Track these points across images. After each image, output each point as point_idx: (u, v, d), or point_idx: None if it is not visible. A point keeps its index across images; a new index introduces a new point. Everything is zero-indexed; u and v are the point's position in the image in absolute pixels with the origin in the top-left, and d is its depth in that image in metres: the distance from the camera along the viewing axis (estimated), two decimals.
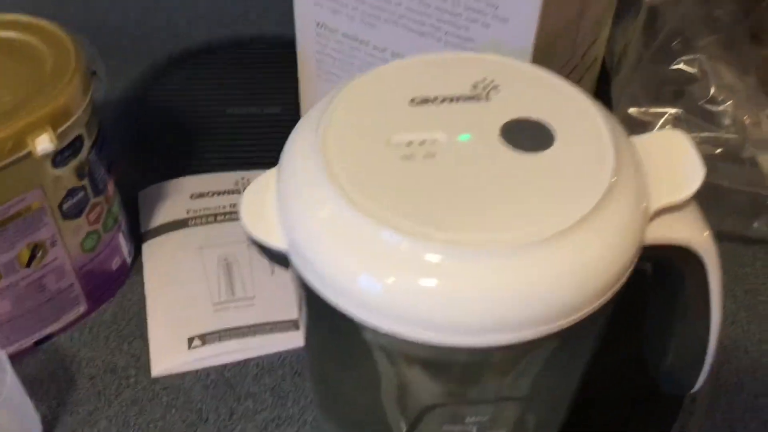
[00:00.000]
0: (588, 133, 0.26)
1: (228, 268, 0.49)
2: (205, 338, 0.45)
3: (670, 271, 0.31)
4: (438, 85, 0.27)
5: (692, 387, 0.35)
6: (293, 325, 0.46)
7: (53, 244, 0.42)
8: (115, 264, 0.47)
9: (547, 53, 0.43)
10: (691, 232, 0.28)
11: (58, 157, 0.40)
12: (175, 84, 0.63)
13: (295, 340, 0.46)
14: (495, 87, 0.27)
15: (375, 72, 0.27)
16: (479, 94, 0.27)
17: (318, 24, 0.48)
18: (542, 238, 0.23)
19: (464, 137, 0.26)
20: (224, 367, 0.45)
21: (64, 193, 0.41)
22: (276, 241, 0.26)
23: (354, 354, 0.26)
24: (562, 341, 0.25)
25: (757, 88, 0.43)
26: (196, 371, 0.45)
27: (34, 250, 0.41)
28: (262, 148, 0.57)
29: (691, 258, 0.29)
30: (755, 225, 0.48)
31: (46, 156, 0.38)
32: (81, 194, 0.42)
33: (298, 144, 0.26)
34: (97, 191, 0.44)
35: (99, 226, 0.45)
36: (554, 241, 0.23)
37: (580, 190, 0.25)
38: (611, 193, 0.25)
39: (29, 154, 0.38)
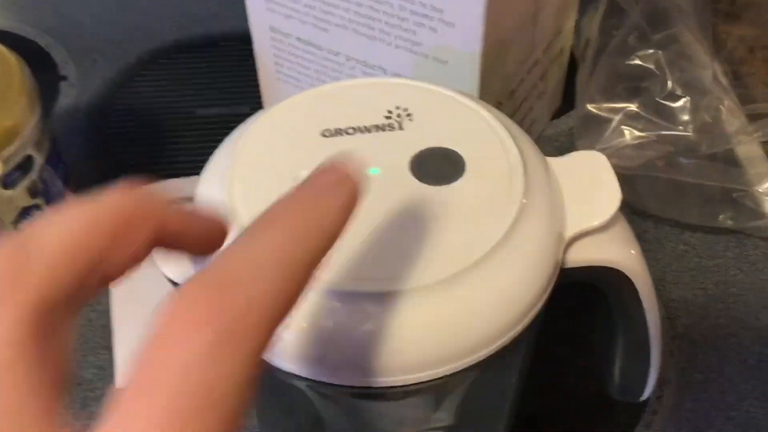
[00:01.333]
0: (499, 159, 0.26)
1: None
2: None
3: (602, 287, 0.30)
4: (351, 114, 0.26)
5: (641, 395, 0.35)
6: None
7: None
8: None
9: (500, 54, 0.43)
10: (616, 253, 0.28)
11: (8, 179, 0.40)
12: (146, 85, 0.63)
13: None
14: (409, 115, 0.26)
15: (288, 102, 0.27)
16: (392, 123, 0.26)
17: (272, 28, 0.47)
18: (447, 276, 0.23)
19: (374, 171, 0.25)
20: None
21: (16, 212, 0.41)
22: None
23: (284, 401, 0.26)
24: (485, 369, 0.25)
25: (715, 81, 0.42)
26: None
27: None
28: None
29: (619, 277, 0.29)
30: (720, 217, 0.48)
31: None
32: (36, 211, 0.42)
33: (210, 176, 0.26)
34: (53, 205, 0.44)
35: None
36: (462, 277, 0.23)
37: (490, 219, 0.24)
38: (521, 218, 0.24)
39: None
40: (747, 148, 0.46)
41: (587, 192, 0.26)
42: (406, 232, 0.24)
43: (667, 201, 0.44)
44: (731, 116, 0.42)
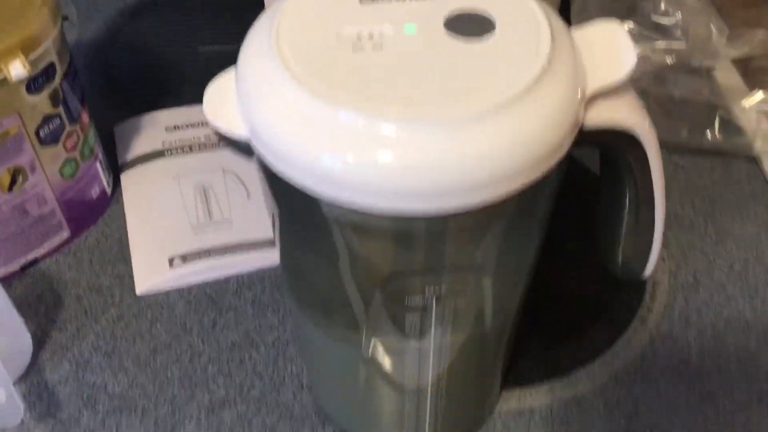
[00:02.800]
0: (527, 22, 0.28)
1: (205, 193, 0.51)
2: (185, 257, 0.47)
3: (615, 159, 0.33)
4: None
5: (642, 273, 0.37)
6: (270, 243, 0.48)
7: (33, 170, 0.43)
8: (94, 193, 0.49)
9: None
10: (630, 116, 0.30)
11: (33, 84, 0.41)
12: (147, 26, 0.64)
13: (273, 257, 0.48)
14: None
15: None
16: None
17: None
18: (484, 110, 0.25)
19: (410, 29, 0.27)
20: (205, 284, 0.47)
21: (40, 119, 0.43)
22: (237, 129, 0.27)
23: (318, 234, 0.28)
24: (512, 209, 0.27)
25: (706, 1, 0.45)
26: (179, 289, 0.47)
27: (15, 175, 0.43)
28: None
29: (632, 143, 0.31)
30: (708, 135, 0.51)
31: (20, 82, 0.40)
32: (57, 121, 0.44)
33: (255, 39, 0.28)
34: (72, 119, 0.45)
35: (76, 154, 0.46)
36: (497, 112, 0.25)
37: (520, 70, 0.26)
38: (548, 71, 0.26)
39: (4, 81, 0.39)
40: (729, 68, 0.49)
41: (605, 54, 0.29)
42: (446, 77, 0.26)
43: (656, 120, 0.47)
44: (720, 33, 0.45)
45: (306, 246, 0.30)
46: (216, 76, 0.29)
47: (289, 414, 0.42)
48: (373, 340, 0.33)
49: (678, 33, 0.45)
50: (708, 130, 0.50)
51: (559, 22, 0.29)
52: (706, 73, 0.49)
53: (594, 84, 0.28)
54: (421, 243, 0.28)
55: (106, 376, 0.43)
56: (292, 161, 0.26)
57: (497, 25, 0.28)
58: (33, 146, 0.43)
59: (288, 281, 0.35)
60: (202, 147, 0.53)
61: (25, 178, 0.43)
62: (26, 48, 0.40)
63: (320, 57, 0.27)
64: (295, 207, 0.28)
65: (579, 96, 0.28)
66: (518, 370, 0.44)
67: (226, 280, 0.47)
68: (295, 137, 0.26)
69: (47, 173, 0.44)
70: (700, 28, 0.45)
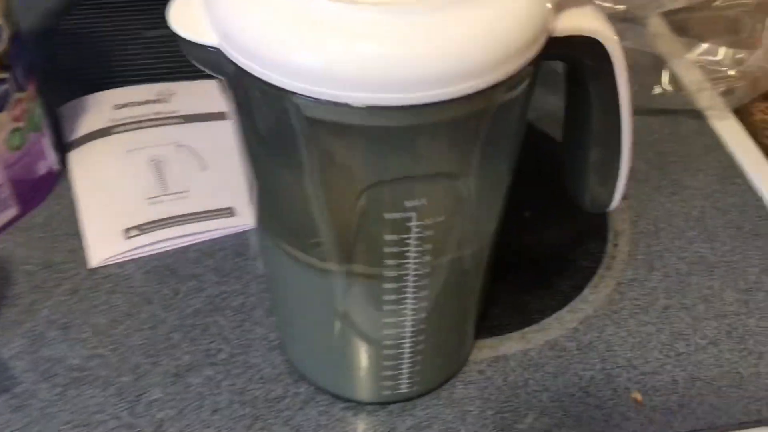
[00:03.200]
0: None
1: (158, 167, 0.49)
2: (142, 228, 0.46)
3: (581, 73, 0.33)
4: None
5: (611, 202, 0.38)
6: (228, 212, 0.47)
7: None
8: (42, 168, 0.47)
9: None
10: (595, 24, 0.30)
11: None
12: (90, 11, 0.63)
13: (232, 225, 0.46)
14: None
15: None
16: None
17: None
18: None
19: None
20: (164, 254, 0.46)
21: None
22: (207, 37, 0.27)
23: (295, 143, 0.27)
24: (485, 108, 0.27)
25: None
26: (136, 260, 0.45)
27: None
28: (181, 63, 0.58)
29: (598, 53, 0.31)
30: (656, 90, 0.52)
31: None
32: (3, 87, 0.42)
33: None
34: (19, 86, 0.43)
35: (23, 124, 0.44)
36: (474, 2, 0.25)
37: None
38: None
39: None
40: (660, 22, 0.50)
41: None
42: None
43: None
44: None
45: (282, 161, 0.29)
46: None
47: (259, 375, 0.40)
48: (351, 272, 0.32)
49: None
50: (656, 85, 0.51)
51: None
52: (645, 25, 0.50)
53: None
54: (398, 144, 0.27)
55: (63, 349, 0.41)
56: (268, 59, 0.25)
57: None
58: None
59: (262, 212, 0.34)
60: (152, 123, 0.52)
61: None
62: None
63: None
64: (270, 115, 0.27)
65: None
66: (490, 320, 0.43)
67: (185, 250, 0.46)
68: (271, 33, 0.25)
69: None
70: None
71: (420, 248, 0.31)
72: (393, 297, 0.33)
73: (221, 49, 0.27)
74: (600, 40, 0.31)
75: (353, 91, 0.25)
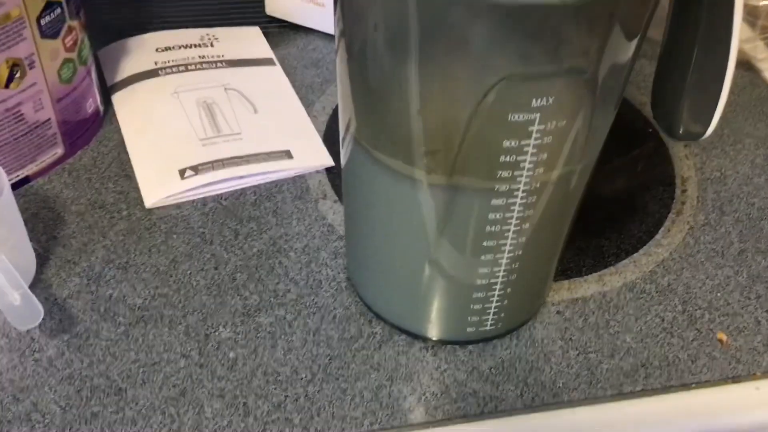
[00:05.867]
0: None
1: (209, 108, 0.47)
2: (197, 168, 0.43)
3: None
4: None
5: (705, 130, 0.36)
6: (285, 154, 0.45)
7: (32, 65, 0.39)
8: (89, 107, 0.45)
9: None
10: None
11: None
12: None
13: (289, 169, 0.44)
14: None
15: None
16: None
17: None
18: None
19: None
20: (220, 196, 0.43)
21: (42, 4, 0.38)
22: None
23: (428, 28, 0.26)
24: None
25: None
26: (192, 201, 0.43)
27: (13, 69, 0.38)
28: (223, 8, 0.56)
29: None
30: None
31: None
32: (58, 11, 0.40)
33: None
34: (72, 14, 0.41)
35: (74, 55, 0.42)
36: None
37: None
38: None
39: None
40: None
41: None
42: None
43: None
44: None
45: (408, 57, 0.27)
46: None
47: (332, 315, 0.38)
48: (458, 185, 0.30)
49: None
50: None
51: None
52: None
53: None
54: (538, 30, 0.26)
55: (123, 288, 0.39)
56: None
57: None
58: (33, 36, 0.38)
59: (362, 123, 0.31)
60: (198, 66, 0.50)
61: (24, 74, 0.39)
62: None
63: None
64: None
65: None
66: (565, 263, 0.42)
67: (242, 192, 0.44)
68: None
69: (45, 72, 0.40)
70: None
71: (536, 158, 0.29)
72: (498, 216, 0.31)
73: None
74: None
75: None
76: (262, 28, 0.54)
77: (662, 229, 0.44)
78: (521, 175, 0.30)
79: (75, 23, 0.41)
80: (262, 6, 0.55)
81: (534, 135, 0.28)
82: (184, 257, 0.40)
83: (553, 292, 0.41)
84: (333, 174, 0.45)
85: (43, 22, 0.39)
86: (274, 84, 0.50)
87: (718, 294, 0.41)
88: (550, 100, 0.27)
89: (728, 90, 0.35)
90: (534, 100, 0.27)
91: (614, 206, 0.45)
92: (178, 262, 0.40)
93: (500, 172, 0.30)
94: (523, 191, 0.31)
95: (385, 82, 0.29)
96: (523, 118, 0.28)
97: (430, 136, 0.29)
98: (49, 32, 0.39)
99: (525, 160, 0.29)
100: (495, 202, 0.31)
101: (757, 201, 0.46)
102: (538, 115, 0.28)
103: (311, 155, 0.45)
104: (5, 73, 0.38)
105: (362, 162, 0.33)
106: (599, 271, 0.42)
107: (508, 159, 0.29)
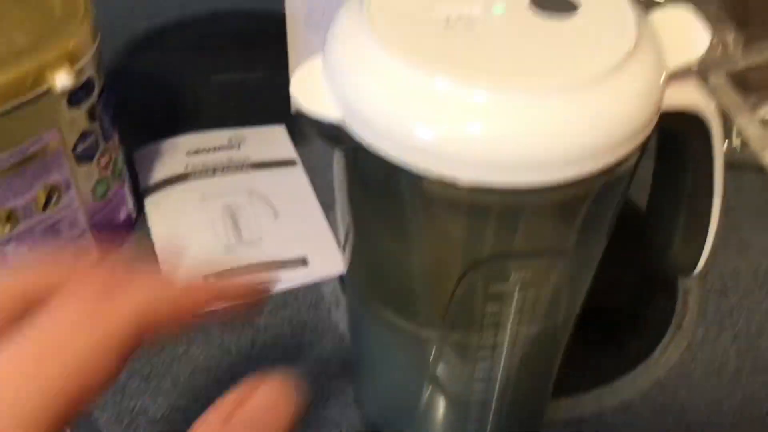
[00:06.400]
0: (607, 1, 0.29)
1: (233, 215, 0.50)
2: (220, 276, 0.46)
3: (677, 145, 0.33)
4: None
5: (695, 267, 0.38)
6: (301, 262, 0.48)
7: (68, 187, 0.43)
8: (122, 215, 0.48)
9: None
10: (700, 98, 0.31)
11: (74, 97, 0.40)
12: (158, 55, 0.64)
13: (305, 276, 0.47)
14: None
15: None
16: None
17: None
18: (580, 83, 0.25)
19: (498, 8, 0.28)
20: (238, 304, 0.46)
21: (77, 134, 0.42)
22: (329, 111, 0.27)
23: (401, 212, 0.28)
24: (600, 186, 0.28)
25: (721, 12, 0.46)
26: (212, 309, 0.46)
27: (50, 193, 0.42)
28: (250, 108, 0.59)
29: (698, 126, 0.32)
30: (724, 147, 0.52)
31: (63, 93, 0.39)
32: (92, 138, 0.43)
33: (345, 21, 0.28)
34: (106, 137, 0.45)
35: (108, 174, 0.45)
36: (592, 86, 0.25)
37: (609, 47, 0.27)
38: (636, 49, 0.27)
39: (48, 91, 0.39)
40: (740, 80, 0.51)
41: (678, 36, 0.29)
42: (535, 53, 0.26)
43: None
44: (734, 43, 0.46)
45: (390, 232, 0.30)
46: (299, 67, 0.29)
47: (337, 430, 0.41)
48: (447, 339, 0.33)
49: None
50: (725, 142, 0.51)
51: (636, 4, 0.30)
52: (713, 87, 0.50)
53: (672, 62, 0.29)
54: (509, 222, 0.28)
55: (145, 401, 0.42)
56: (391, 134, 0.26)
57: (581, 5, 0.29)
58: (70, 163, 0.42)
59: (358, 277, 0.34)
60: (226, 170, 0.53)
61: (60, 197, 0.42)
62: (70, 60, 0.39)
63: (413, 34, 0.27)
64: (385, 188, 0.28)
65: (663, 76, 0.28)
66: (563, 381, 0.43)
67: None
68: (392, 109, 0.26)
69: (81, 192, 0.44)
70: (717, 38, 0.46)
71: (519, 316, 0.31)
72: (486, 363, 0.34)
73: (341, 124, 0.27)
74: (703, 115, 0.31)
75: (473, 169, 0.26)
76: (288, 126, 0.57)
77: (661, 344, 0.46)
78: (505, 332, 0.32)
79: (108, 145, 0.45)
80: (288, 104, 0.58)
81: (516, 301, 0.31)
82: (203, 370, 0.43)
83: (551, 411, 0.42)
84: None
85: (78, 149, 0.42)
86: (295, 186, 0.53)
87: (712, 417, 0.42)
88: (529, 274, 0.30)
89: (714, 234, 0.37)
90: (513, 274, 0.29)
91: (615, 319, 0.47)
92: (196, 373, 0.43)
93: (485, 331, 0.32)
94: (509, 343, 0.33)
95: (373, 247, 0.32)
96: (503, 288, 0.30)
97: (417, 298, 0.31)
98: (84, 157, 0.43)
99: (508, 320, 0.32)
100: (482, 353, 0.33)
101: (757, 317, 0.47)
102: (518, 286, 0.30)
103: (326, 262, 0.48)
104: (43, 198, 0.41)
105: (356, 302, 0.36)
106: (596, 389, 0.43)
107: (492, 320, 0.31)
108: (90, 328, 0.20)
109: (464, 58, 0.26)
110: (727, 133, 0.51)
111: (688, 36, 0.30)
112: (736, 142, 0.51)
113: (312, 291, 0.47)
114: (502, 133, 0.25)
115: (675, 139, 0.33)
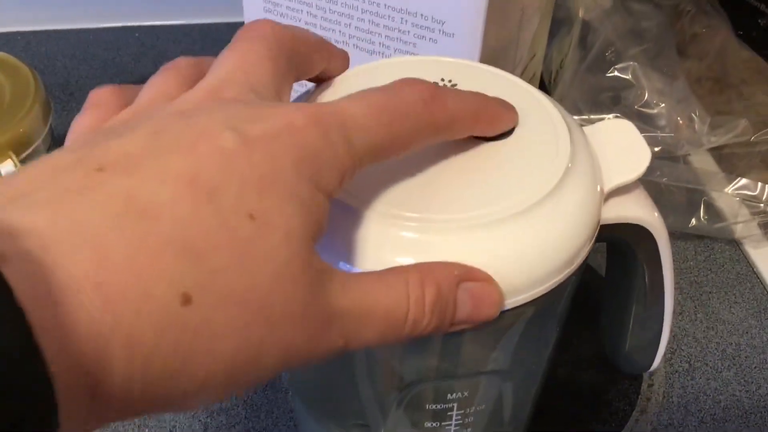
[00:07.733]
0: (544, 122, 0.28)
1: None
2: None
3: (624, 253, 0.33)
4: None
5: (650, 367, 0.37)
6: None
7: None
8: None
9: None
10: (642, 209, 0.30)
11: None
12: None
13: None
14: (455, 85, 0.29)
15: (339, 79, 0.29)
16: None
17: None
18: (511, 214, 0.25)
19: None
20: None
21: None
22: None
23: None
24: (535, 310, 0.27)
25: (686, 90, 0.46)
26: None
27: None
28: None
29: (644, 236, 0.31)
30: (693, 221, 0.51)
31: None
32: None
33: None
34: None
35: None
36: (522, 216, 0.25)
37: (541, 172, 0.26)
38: (570, 173, 0.27)
39: None
40: (704, 154, 0.51)
41: (619, 152, 0.29)
42: (469, 180, 0.26)
43: None
44: (702, 122, 0.46)
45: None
46: None
47: None
48: None
49: (662, 122, 0.46)
50: (693, 217, 0.51)
51: (572, 120, 0.30)
52: (685, 161, 0.50)
53: (611, 182, 0.29)
54: (443, 348, 0.27)
55: None
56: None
57: (515, 129, 0.28)
58: None
59: (298, 392, 0.33)
60: None
61: None
62: (17, 148, 0.39)
63: None
64: None
65: (599, 194, 0.28)
66: None
67: None
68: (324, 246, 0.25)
69: None
70: (684, 118, 0.46)
71: (461, 430, 0.31)
72: None
73: None
74: (646, 225, 0.31)
75: None
76: None
77: (625, 429, 0.45)
78: None
79: None
80: None
81: (455, 417, 0.30)
82: None
83: None
84: None
85: None
86: None
87: None
88: (465, 393, 0.29)
89: (667, 337, 0.36)
90: (448, 395, 0.29)
91: (579, 401, 0.46)
92: None
93: None
94: None
95: (306, 374, 0.31)
96: (441, 407, 0.29)
97: (357, 413, 0.31)
98: None
99: None
100: None
101: (723, 398, 0.46)
102: (455, 404, 0.29)
103: None
104: None
105: (301, 411, 0.35)
106: None
107: None
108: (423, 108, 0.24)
109: (393, 191, 0.25)
110: (698, 205, 0.51)
111: (630, 151, 0.29)
112: (704, 219, 0.50)
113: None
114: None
115: (621, 244, 0.33)
